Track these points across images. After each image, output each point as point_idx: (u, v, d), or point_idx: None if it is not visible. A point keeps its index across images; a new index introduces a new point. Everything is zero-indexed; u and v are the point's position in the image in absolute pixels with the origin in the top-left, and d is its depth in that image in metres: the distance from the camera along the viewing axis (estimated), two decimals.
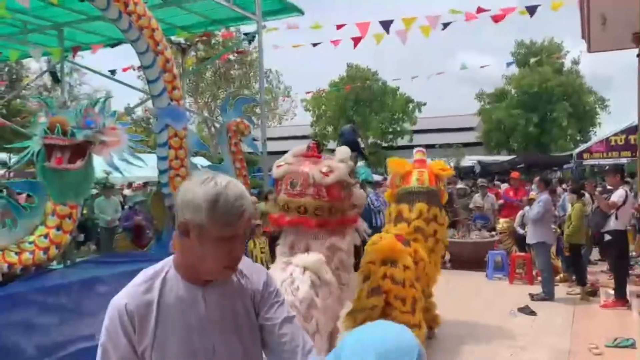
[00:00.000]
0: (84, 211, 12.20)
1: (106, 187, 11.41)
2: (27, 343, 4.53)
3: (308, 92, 16.39)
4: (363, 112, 34.71)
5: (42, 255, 4.94)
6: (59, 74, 12.20)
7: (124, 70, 13.39)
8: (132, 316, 1.53)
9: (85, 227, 11.51)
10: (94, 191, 10.64)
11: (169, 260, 1.63)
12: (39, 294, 4.66)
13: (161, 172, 6.45)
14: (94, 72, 12.49)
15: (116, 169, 5.79)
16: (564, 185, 13.86)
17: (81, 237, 11.41)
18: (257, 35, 10.34)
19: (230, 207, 1.46)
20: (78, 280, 5.01)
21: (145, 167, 6.98)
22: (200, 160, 9.88)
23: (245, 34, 11.60)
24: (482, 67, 16.71)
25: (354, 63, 35.66)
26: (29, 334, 4.52)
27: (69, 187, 5.39)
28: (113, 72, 12.76)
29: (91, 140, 5.37)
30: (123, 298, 1.55)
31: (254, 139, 8.63)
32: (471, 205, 11.97)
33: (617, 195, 7.35)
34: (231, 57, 28.66)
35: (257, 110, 33.21)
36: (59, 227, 5.09)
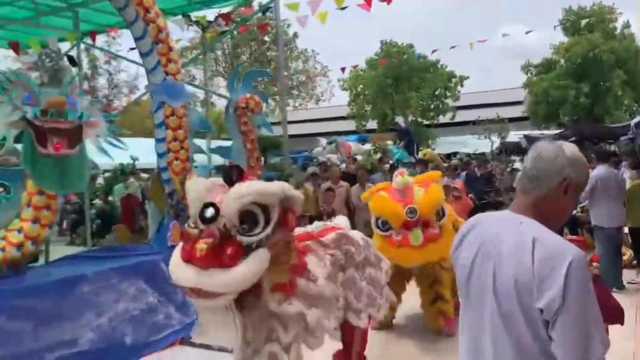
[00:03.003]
0: (111, 197, 11.82)
1: (126, 173, 10.98)
2: None
3: (342, 68, 15.28)
4: (402, 89, 33.38)
5: (15, 252, 4.39)
6: (76, 58, 11.71)
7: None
8: None
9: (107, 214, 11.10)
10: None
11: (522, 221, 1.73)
12: (7, 298, 4.12)
13: (159, 155, 5.82)
14: (111, 53, 12.00)
15: (105, 152, 5.22)
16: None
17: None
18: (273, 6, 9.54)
19: None
20: (57, 280, 4.46)
21: None
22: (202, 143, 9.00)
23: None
24: (527, 32, 15.37)
25: (388, 39, 34.42)
26: None
27: (68, 175, 4.86)
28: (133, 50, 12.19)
29: (86, 122, 4.82)
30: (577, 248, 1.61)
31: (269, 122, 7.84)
32: (515, 184, 10.93)
33: None
34: (266, 38, 28.04)
35: (294, 92, 32.70)
36: (35, 220, 4.53)
